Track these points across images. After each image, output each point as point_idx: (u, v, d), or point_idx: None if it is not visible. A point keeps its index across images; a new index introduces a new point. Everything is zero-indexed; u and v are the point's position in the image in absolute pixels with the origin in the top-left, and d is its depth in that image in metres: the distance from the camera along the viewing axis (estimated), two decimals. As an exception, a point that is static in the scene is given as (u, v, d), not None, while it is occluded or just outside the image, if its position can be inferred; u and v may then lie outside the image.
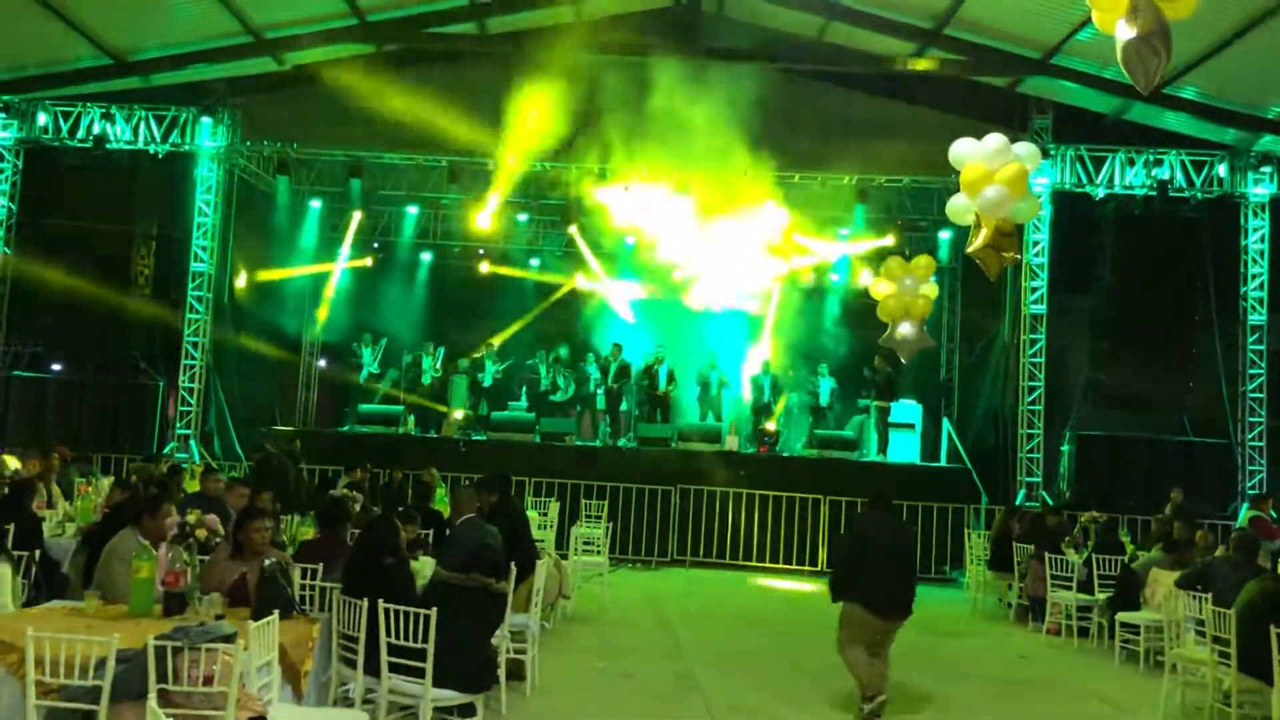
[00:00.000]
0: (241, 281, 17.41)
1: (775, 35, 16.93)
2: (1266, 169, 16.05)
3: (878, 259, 14.56)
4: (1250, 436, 16.16)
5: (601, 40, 15.90)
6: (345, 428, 17.71)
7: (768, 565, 14.80)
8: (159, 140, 16.47)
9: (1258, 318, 16.32)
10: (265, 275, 18.00)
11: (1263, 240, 16.34)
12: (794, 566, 14.80)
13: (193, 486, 11.10)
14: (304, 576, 6.46)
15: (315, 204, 18.65)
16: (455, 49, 16.74)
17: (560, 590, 9.94)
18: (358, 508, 9.52)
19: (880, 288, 10.98)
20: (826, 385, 17.87)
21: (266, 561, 5.89)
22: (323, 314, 19.64)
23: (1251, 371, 16.25)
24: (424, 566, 7.55)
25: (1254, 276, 16.36)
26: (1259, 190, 16.19)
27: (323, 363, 20.55)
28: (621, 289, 19.60)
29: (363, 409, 17.33)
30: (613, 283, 19.67)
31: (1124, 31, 5.34)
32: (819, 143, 15.85)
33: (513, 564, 7.30)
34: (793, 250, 17.99)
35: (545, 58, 16.34)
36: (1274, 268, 16.26)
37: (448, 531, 7.64)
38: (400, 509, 10.55)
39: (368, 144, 16.66)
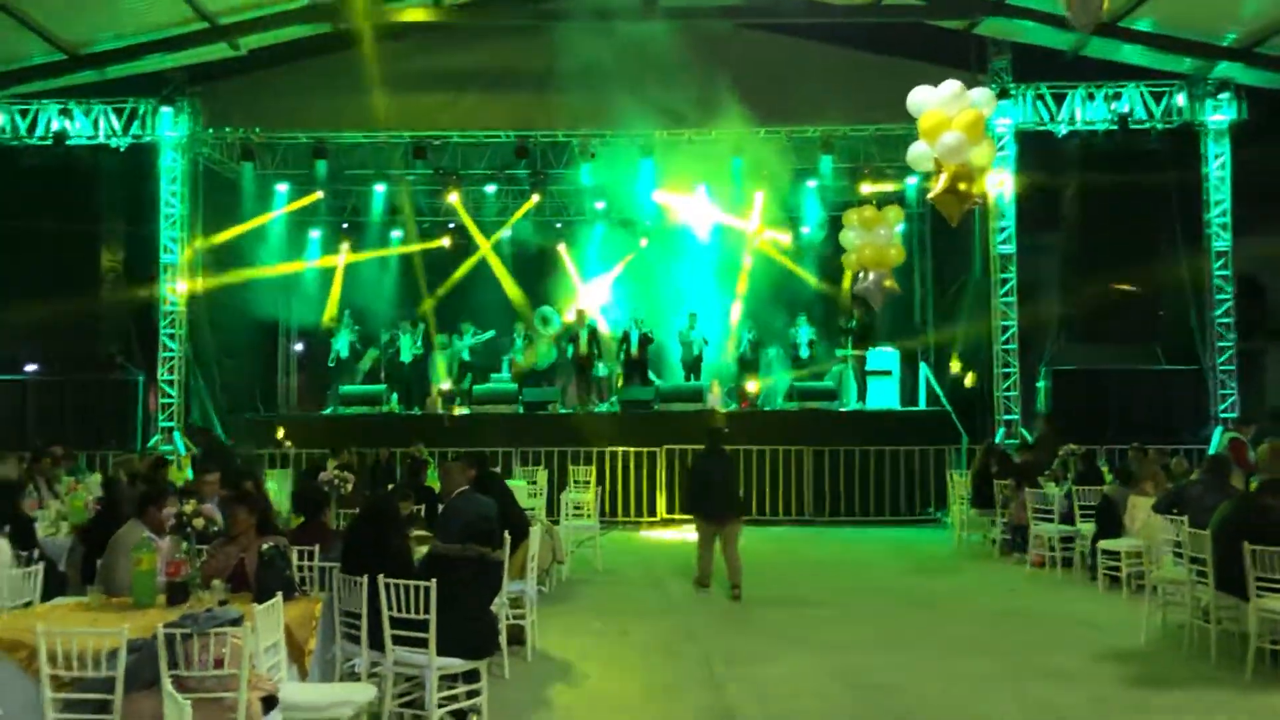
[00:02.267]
0: (212, 270, 17.33)
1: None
2: (1224, 95, 16.20)
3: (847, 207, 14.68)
4: (1220, 361, 16.43)
5: (557, 6, 15.84)
6: (328, 410, 17.77)
7: (755, 517, 14.99)
8: (120, 133, 16.33)
9: (1222, 244, 16.55)
10: (235, 269, 17.86)
11: (1223, 167, 16.54)
12: (782, 516, 15.03)
13: (179, 478, 11.20)
14: (300, 559, 6.59)
15: (282, 188, 18.54)
16: (409, 24, 16.61)
17: (554, 556, 10.12)
18: (349, 488, 9.62)
19: (851, 237, 11.10)
20: (805, 335, 18.05)
21: (265, 545, 6.00)
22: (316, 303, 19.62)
23: (1219, 297, 16.50)
24: (419, 542, 7.68)
25: (1217, 203, 16.56)
26: (1218, 117, 16.36)
27: (300, 346, 20.54)
28: (596, 251, 19.67)
29: (344, 390, 17.39)
30: (586, 247, 19.73)
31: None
32: (781, 96, 15.87)
33: (506, 533, 7.43)
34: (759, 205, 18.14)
35: (502, 26, 16.34)
36: (1236, 193, 16.47)
37: (440, 507, 7.75)
38: (392, 486, 10.74)
39: (331, 125, 16.58)
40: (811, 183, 18.09)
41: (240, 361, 18.10)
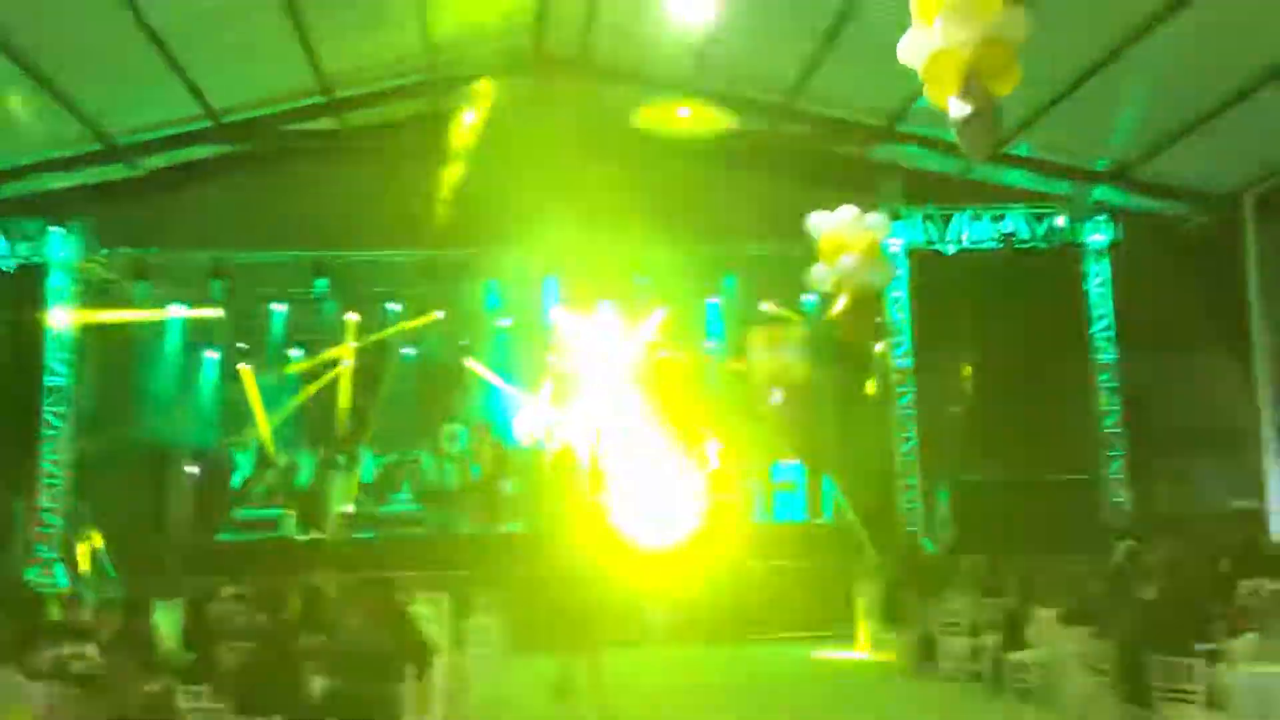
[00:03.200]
0: (103, 393, 16.74)
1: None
2: (1102, 217, 17.11)
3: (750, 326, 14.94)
4: (1111, 471, 16.94)
5: (459, 131, 16.08)
6: (223, 536, 17.07)
7: (662, 636, 14.74)
8: (7, 255, 15.88)
9: (1108, 357, 17.25)
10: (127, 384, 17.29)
11: (1104, 284, 17.33)
12: (687, 634, 14.77)
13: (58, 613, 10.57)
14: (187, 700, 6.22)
15: (179, 311, 18.09)
16: (315, 146, 16.68)
17: (458, 687, 9.76)
18: (244, 620, 9.18)
19: (757, 355, 11.31)
20: (710, 450, 18.03)
21: (149, 688, 5.67)
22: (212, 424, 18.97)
23: (1107, 409, 17.11)
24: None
25: (1100, 319, 17.30)
26: (1097, 238, 17.22)
27: (194, 469, 19.78)
28: (503, 368, 19.52)
29: (239, 514, 16.76)
30: (492, 364, 19.57)
31: (956, 110, 5.72)
32: (685, 214, 16.21)
33: (406, 665, 7.15)
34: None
35: (408, 148, 16.51)
36: (1118, 309, 17.24)
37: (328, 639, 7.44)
38: (289, 618, 10.27)
39: (230, 244, 16.37)
40: (714, 299, 18.37)
41: (130, 485, 17.35)
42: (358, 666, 6.68)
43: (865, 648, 13.39)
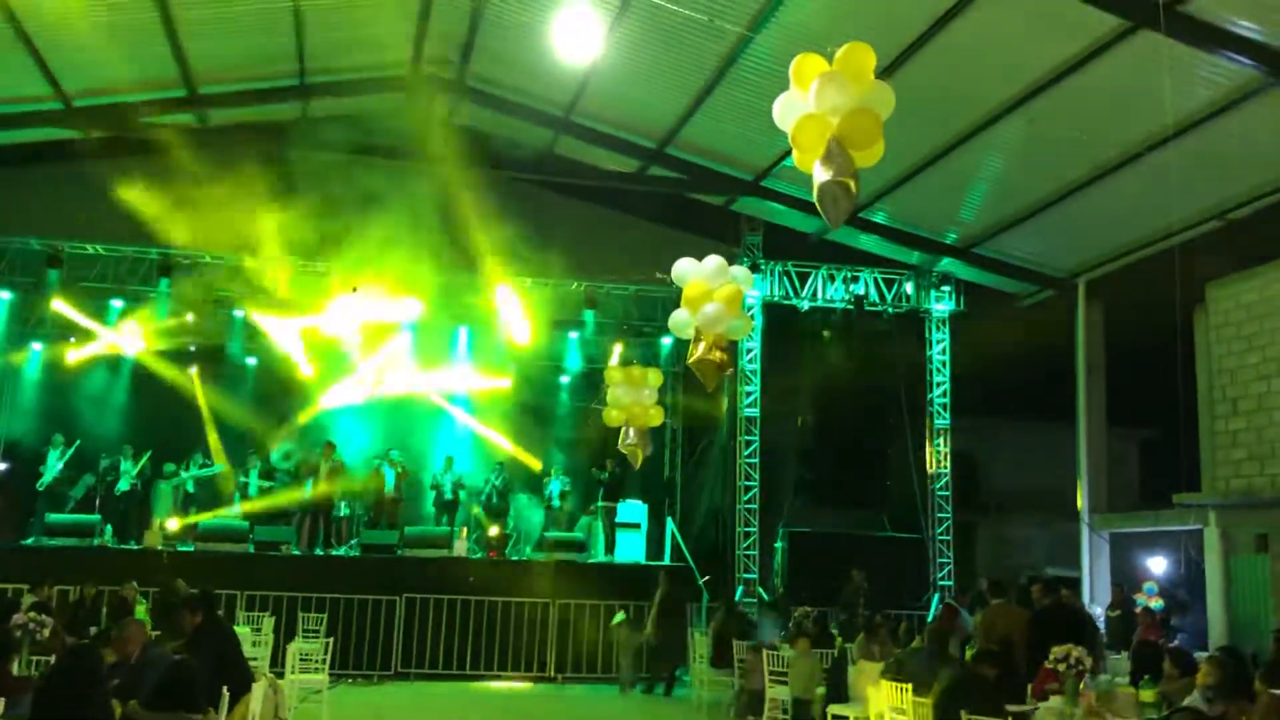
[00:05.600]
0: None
1: (506, 144, 17.39)
2: (946, 288, 17.93)
3: (605, 364, 15.03)
4: (939, 531, 17.64)
5: (325, 139, 15.75)
6: (30, 540, 16.03)
7: (495, 673, 14.57)
8: None
9: (942, 421, 18.00)
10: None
11: (944, 351, 18.14)
12: (523, 673, 14.65)
13: None
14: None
15: (4, 295, 17.07)
16: (169, 139, 16.01)
17: (276, 713, 9.37)
18: (46, 632, 8.60)
19: (616, 394, 11.37)
20: (556, 486, 17.99)
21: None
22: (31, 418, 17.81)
23: (938, 471, 17.83)
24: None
25: (938, 384, 18.08)
26: (940, 306, 18.03)
27: (4, 466, 18.57)
28: (348, 388, 19.01)
29: (51, 519, 15.74)
30: (339, 382, 19.06)
31: (820, 173, 5.92)
32: (548, 249, 16.21)
33: (224, 688, 6.83)
34: (522, 352, 18.29)
35: (266, 154, 16.04)
36: (955, 376, 18.05)
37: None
38: (97, 632, 9.72)
39: (69, 233, 15.55)
40: (573, 334, 18.42)
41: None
42: (169, 691, 6.33)
43: (697, 692, 13.48)
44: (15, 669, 7.18)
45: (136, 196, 14.82)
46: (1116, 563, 16.50)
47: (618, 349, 17.90)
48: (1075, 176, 14.07)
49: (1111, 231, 15.36)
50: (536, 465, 18.53)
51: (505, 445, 18.89)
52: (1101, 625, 13.69)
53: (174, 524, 16.37)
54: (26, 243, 15.87)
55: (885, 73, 7.21)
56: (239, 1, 13.50)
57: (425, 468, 18.06)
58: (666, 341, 18.93)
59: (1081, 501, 16.62)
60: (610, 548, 17.04)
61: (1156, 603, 14.53)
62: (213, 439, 18.26)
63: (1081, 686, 7.81)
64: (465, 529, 17.02)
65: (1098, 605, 15.02)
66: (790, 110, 6.23)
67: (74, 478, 16.95)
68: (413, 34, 15.08)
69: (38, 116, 14.75)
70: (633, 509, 17.27)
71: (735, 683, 12.64)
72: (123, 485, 16.75)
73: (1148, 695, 8.70)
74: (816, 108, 5.98)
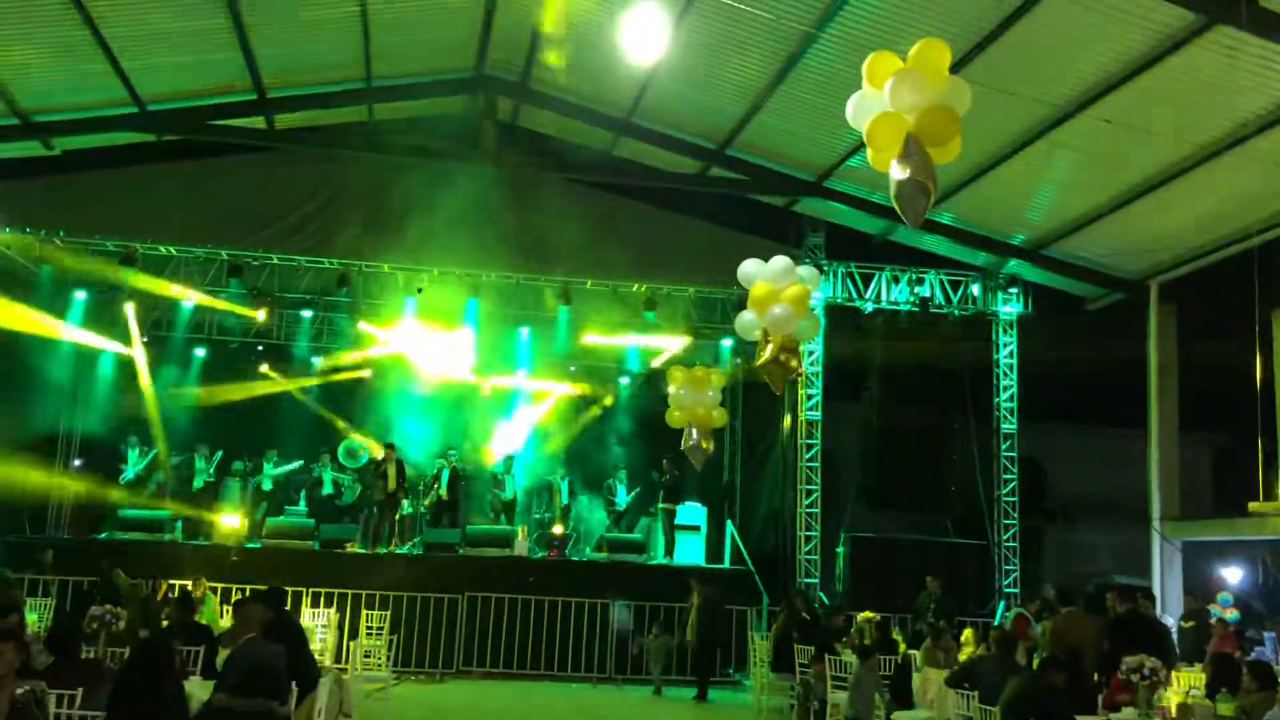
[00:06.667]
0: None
1: (567, 146, 17.49)
2: (1014, 290, 17.59)
3: (669, 366, 14.98)
4: (1005, 538, 17.35)
5: (393, 141, 15.97)
6: (104, 535, 16.41)
7: (557, 673, 14.61)
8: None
9: (1009, 426, 17.70)
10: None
11: (1012, 355, 17.84)
12: (583, 674, 14.67)
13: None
14: (58, 705, 5.92)
15: (80, 295, 17.48)
16: (241, 143, 16.32)
17: (341, 709, 9.47)
18: (122, 624, 8.81)
19: (679, 395, 11.35)
20: (624, 489, 17.96)
21: (18, 691, 5.37)
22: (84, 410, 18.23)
23: (1005, 477, 17.54)
24: (194, 688, 7.09)
25: (1005, 388, 17.78)
26: (1008, 309, 17.72)
27: (79, 463, 19.02)
28: (411, 388, 19.20)
29: (124, 514, 16.13)
30: (402, 382, 19.25)
31: (897, 172, 5.84)
32: (608, 251, 16.24)
33: (293, 684, 6.92)
34: (583, 354, 18.37)
35: (336, 156, 16.29)
36: (1022, 380, 17.74)
37: (226, 651, 7.17)
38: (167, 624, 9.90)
39: (142, 234, 15.89)
40: (632, 337, 18.40)
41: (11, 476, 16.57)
42: (240, 683, 6.44)
43: (756, 696, 13.39)
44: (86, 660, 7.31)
45: (206, 198, 15.10)
46: (1189, 572, 16.09)
47: (677, 349, 17.83)
48: (1147, 176, 13.74)
49: (1186, 233, 14.98)
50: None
51: (565, 445, 18.98)
52: (1174, 636, 13.37)
53: (235, 521, 16.59)
54: (102, 244, 16.21)
55: (952, 70, 7.11)
56: (307, 7, 13.71)
57: (485, 467, 18.14)
58: (727, 343, 18.85)
59: (1153, 508, 16.23)
60: (670, 550, 17.02)
61: (1232, 614, 14.14)
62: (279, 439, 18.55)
63: (1156, 698, 7.64)
64: (524, 528, 17.10)
65: (1170, 615, 14.65)
66: (865, 109, 6.16)
67: (148, 475, 17.33)
68: (476, 37, 15.20)
69: (113, 121, 15.07)
70: (692, 511, 17.25)
71: (795, 687, 12.54)
72: (196, 483, 17.08)
73: (1226, 709, 8.48)
74: (892, 106, 5.91)
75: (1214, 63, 11.06)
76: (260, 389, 18.94)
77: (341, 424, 18.89)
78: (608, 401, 19.46)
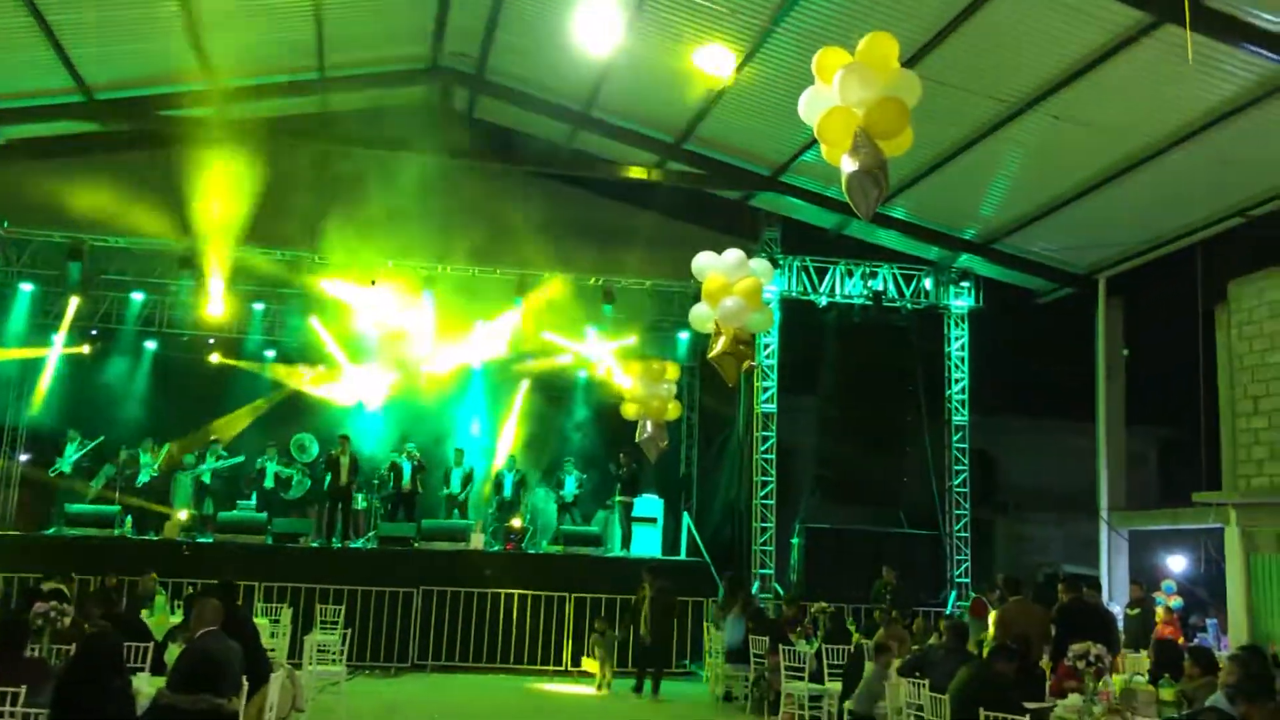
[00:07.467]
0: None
1: (524, 138, 17.44)
2: (965, 284, 17.80)
3: (623, 358, 15.03)
4: (957, 529, 17.56)
5: (349, 133, 15.82)
6: (51, 530, 16.15)
7: (512, 666, 14.60)
8: None
9: (960, 419, 17.90)
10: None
11: (963, 348, 18.04)
12: (539, 666, 14.68)
13: None
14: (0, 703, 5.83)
15: (27, 287, 17.17)
16: (192, 133, 16.06)
17: (294, 704, 9.39)
18: (68, 620, 8.65)
19: (634, 388, 11.37)
20: (572, 480, 17.96)
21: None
22: (34, 402, 17.92)
23: (956, 468, 17.75)
24: (141, 684, 7.00)
25: (956, 381, 17.98)
26: (959, 303, 17.92)
27: (26, 458, 18.68)
28: (365, 382, 19.04)
29: (71, 509, 15.85)
30: (355, 375, 19.10)
31: (848, 165, 5.89)
32: (565, 244, 16.23)
33: (244, 678, 6.86)
34: (539, 347, 18.33)
35: (290, 147, 16.08)
36: (973, 373, 17.95)
37: (178, 646, 7.08)
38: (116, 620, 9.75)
39: (90, 226, 15.62)
40: (590, 330, 18.39)
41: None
42: (185, 678, 6.38)
43: (711, 687, 13.47)
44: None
45: (156, 190, 14.87)
46: (1135, 561, 16.39)
47: (633, 343, 17.88)
48: (1096, 172, 13.96)
49: (1132, 228, 15.24)
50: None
51: (521, 438, 18.95)
52: (1120, 623, 13.61)
53: (183, 515, 16.43)
54: (49, 236, 15.93)
55: (907, 65, 7.19)
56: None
57: (440, 460, 18.06)
58: (684, 336, 18.91)
59: (1101, 500, 16.50)
60: (626, 542, 17.06)
61: (1175, 601, 14.43)
62: (229, 430, 18.36)
63: (1101, 684, 7.77)
64: (480, 522, 17.05)
65: (1116, 603, 14.92)
66: (815, 105, 6.20)
67: (94, 469, 17.07)
68: (431, 28, 15.10)
69: (59, 109, 14.80)
70: (649, 504, 17.29)
71: (750, 677, 12.64)
72: (143, 477, 16.84)
73: (1167, 694, 8.67)
74: (841, 100, 5.95)
75: (1161, 61, 11.24)
76: (211, 382, 18.74)
77: (290, 417, 18.73)
78: (564, 394, 19.42)
